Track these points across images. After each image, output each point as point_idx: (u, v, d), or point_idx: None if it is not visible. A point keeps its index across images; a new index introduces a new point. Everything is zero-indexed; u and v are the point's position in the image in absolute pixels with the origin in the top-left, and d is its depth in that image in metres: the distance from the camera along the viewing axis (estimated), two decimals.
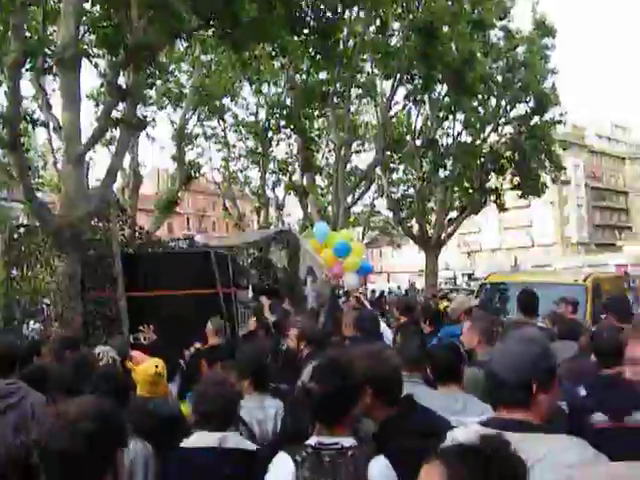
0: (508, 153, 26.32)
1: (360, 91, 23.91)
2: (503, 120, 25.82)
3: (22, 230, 7.97)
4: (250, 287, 9.48)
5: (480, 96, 24.17)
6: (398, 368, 2.84)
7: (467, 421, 3.00)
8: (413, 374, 3.73)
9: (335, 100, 21.31)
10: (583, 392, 3.66)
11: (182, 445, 2.96)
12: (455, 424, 2.97)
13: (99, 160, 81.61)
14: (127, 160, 19.82)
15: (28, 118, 14.50)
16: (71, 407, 1.87)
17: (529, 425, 2.03)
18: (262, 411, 3.66)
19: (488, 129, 25.87)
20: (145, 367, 4.17)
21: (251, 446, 3.05)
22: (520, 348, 2.14)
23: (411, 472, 1.86)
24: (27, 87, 31.34)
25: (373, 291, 32.09)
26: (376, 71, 22.42)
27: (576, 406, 3.41)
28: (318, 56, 18.05)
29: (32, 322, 11.17)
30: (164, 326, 6.71)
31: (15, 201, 29.88)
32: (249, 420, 3.51)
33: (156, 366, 4.13)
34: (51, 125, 14.22)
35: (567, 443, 1.96)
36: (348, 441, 2.40)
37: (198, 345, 5.89)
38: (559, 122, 26.47)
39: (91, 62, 17.42)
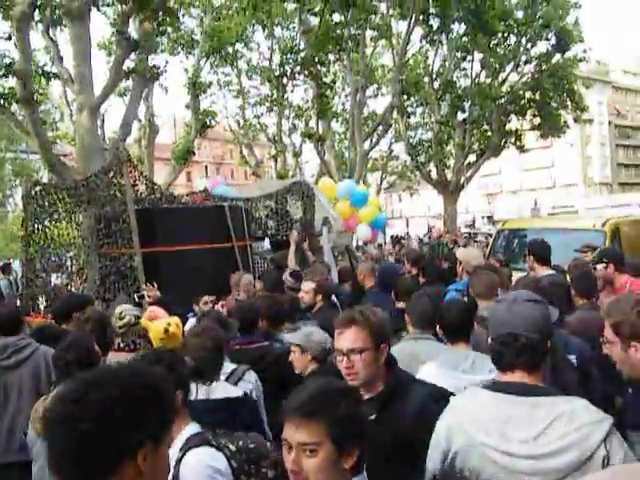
0: (528, 94, 25.69)
1: (375, 33, 23.29)
2: (523, 59, 25.08)
3: (38, 188, 7.97)
4: (267, 238, 9.52)
5: (499, 34, 23.48)
6: None
7: (476, 379, 3.04)
8: (424, 331, 3.78)
9: (350, 43, 20.84)
10: None
11: None
12: (464, 382, 3.02)
13: (114, 111, 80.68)
14: (142, 110, 19.73)
15: (40, 71, 14.43)
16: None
17: (544, 389, 2.05)
18: None
19: (508, 69, 25.21)
20: (156, 327, 4.22)
21: (237, 392, 3.24)
22: (536, 309, 2.10)
23: None
24: (38, 39, 31.06)
25: (392, 236, 32.09)
26: (391, 11, 21.79)
27: (585, 360, 3.45)
28: None
29: (55, 276, 11.41)
30: (179, 280, 6.80)
31: (34, 153, 30.08)
32: None
33: (168, 324, 4.16)
34: (64, 76, 14.13)
35: (581, 405, 1.97)
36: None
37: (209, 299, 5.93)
38: (582, 60, 25.68)
39: (100, 11, 17.10)
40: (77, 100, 12.03)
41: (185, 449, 2.34)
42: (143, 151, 21.72)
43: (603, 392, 3.36)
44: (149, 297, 5.96)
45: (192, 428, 2.49)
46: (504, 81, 25.63)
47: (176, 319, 4.47)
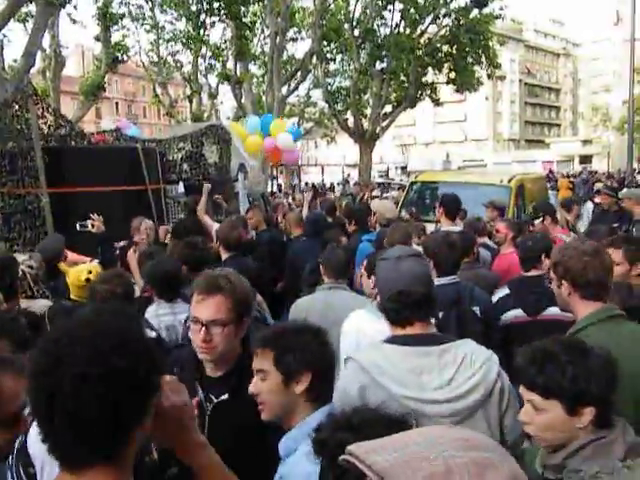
0: (445, 47, 25.99)
1: None
2: (442, 12, 25.20)
3: None
4: (181, 182, 9.31)
5: None
6: None
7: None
8: (338, 281, 3.88)
9: None
10: (506, 291, 3.97)
11: None
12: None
13: (15, 38, 74.95)
14: (47, 39, 18.46)
15: None
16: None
17: (444, 336, 2.24)
18: (172, 317, 3.79)
19: (427, 21, 25.30)
20: (77, 272, 4.09)
21: (149, 335, 3.23)
22: (421, 263, 2.27)
23: None
24: None
25: (306, 184, 32.23)
26: None
27: (488, 311, 3.67)
28: None
29: None
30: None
31: None
32: (157, 325, 3.65)
33: (89, 272, 4.05)
34: None
35: (474, 346, 2.19)
36: None
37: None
38: (498, 17, 26.15)
39: None
40: None
41: None
42: (48, 84, 20.48)
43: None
44: (93, 227, 5.79)
45: None
46: (422, 33, 25.77)
47: (97, 266, 4.35)
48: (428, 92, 27.57)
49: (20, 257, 4.30)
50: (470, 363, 2.09)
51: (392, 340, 2.19)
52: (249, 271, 4.66)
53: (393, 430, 1.25)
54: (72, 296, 4.14)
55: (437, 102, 28.20)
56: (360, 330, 3.18)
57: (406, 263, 2.20)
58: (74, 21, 20.05)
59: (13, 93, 7.89)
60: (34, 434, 1.91)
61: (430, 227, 6.96)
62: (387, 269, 2.24)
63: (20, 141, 7.24)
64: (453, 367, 2.07)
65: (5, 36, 17.97)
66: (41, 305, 3.71)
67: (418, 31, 25.37)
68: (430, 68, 26.50)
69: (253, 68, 28.04)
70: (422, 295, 2.16)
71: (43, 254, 4.64)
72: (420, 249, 3.54)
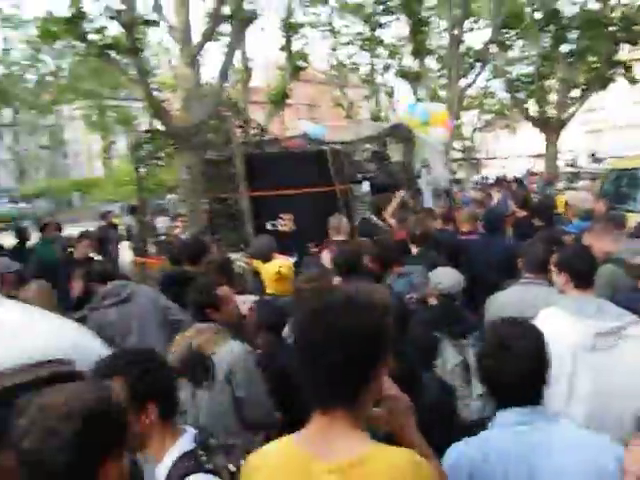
0: None
1: None
2: None
3: (145, 136, 8.35)
4: (365, 182, 9.51)
5: None
6: None
7: (606, 326, 2.91)
8: (538, 276, 3.73)
9: None
10: None
11: None
12: (592, 327, 2.87)
13: (207, 54, 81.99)
14: (236, 55, 19.86)
15: (140, 20, 14.73)
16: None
17: None
18: None
19: None
20: (270, 267, 4.42)
21: None
22: None
23: None
24: None
25: (486, 178, 31.27)
26: None
27: None
28: None
29: (160, 218, 11.99)
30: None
31: (132, 99, 31.05)
32: None
33: (280, 266, 4.36)
34: (163, 26, 14.36)
35: None
36: None
37: None
38: None
39: None
40: (178, 49, 12.27)
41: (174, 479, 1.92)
42: (239, 96, 22.01)
43: None
44: (282, 226, 6.23)
45: (179, 446, 2.01)
46: (614, 7, 23.66)
47: (287, 261, 4.66)
48: (622, 71, 25.29)
49: (234, 256, 4.72)
50: None
51: None
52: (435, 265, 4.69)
53: None
54: (267, 291, 4.45)
55: (633, 80, 25.76)
56: (548, 328, 3.05)
57: None
58: (262, 29, 21.30)
59: (213, 108, 8.60)
60: None
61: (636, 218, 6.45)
62: None
63: (222, 150, 7.91)
64: None
65: (202, 56, 19.65)
66: (253, 300, 4.06)
67: (609, 5, 23.34)
68: (623, 44, 24.26)
69: (431, 63, 27.81)
70: None
71: (257, 254, 5.04)
72: None
